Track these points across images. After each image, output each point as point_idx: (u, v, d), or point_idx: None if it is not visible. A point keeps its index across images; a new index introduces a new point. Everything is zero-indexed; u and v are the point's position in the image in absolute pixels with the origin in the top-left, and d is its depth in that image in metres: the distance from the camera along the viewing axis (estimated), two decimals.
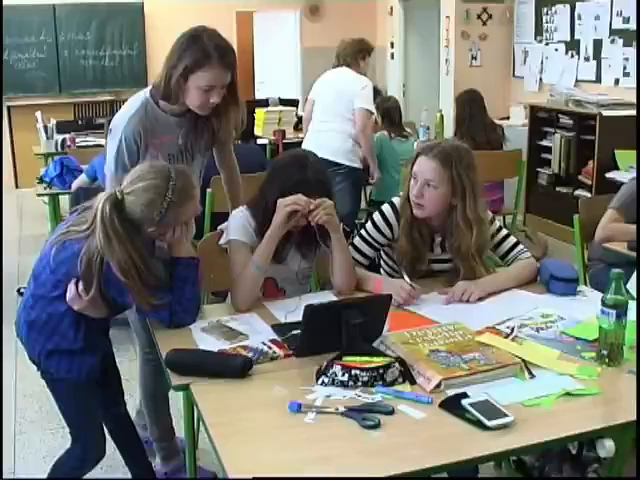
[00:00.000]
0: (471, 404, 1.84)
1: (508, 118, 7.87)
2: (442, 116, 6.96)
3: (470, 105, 5.77)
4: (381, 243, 2.88)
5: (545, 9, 7.83)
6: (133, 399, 3.06)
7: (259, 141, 7.22)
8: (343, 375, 2.01)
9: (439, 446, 1.76)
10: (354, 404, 1.91)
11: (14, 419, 3.68)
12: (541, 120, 7.17)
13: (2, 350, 3.69)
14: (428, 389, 1.97)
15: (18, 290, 5.30)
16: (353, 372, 2.01)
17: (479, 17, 8.50)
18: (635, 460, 2.16)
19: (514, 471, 2.80)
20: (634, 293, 2.76)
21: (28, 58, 9.21)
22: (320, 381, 2.02)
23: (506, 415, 1.81)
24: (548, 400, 1.92)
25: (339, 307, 2.27)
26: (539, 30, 7.96)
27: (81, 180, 5.19)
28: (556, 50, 7.69)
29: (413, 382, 2.02)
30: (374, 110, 5.42)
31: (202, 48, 2.61)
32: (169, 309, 2.38)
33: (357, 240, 2.89)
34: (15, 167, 9.44)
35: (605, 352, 2.11)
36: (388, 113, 6.02)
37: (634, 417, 1.84)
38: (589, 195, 6.31)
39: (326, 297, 2.64)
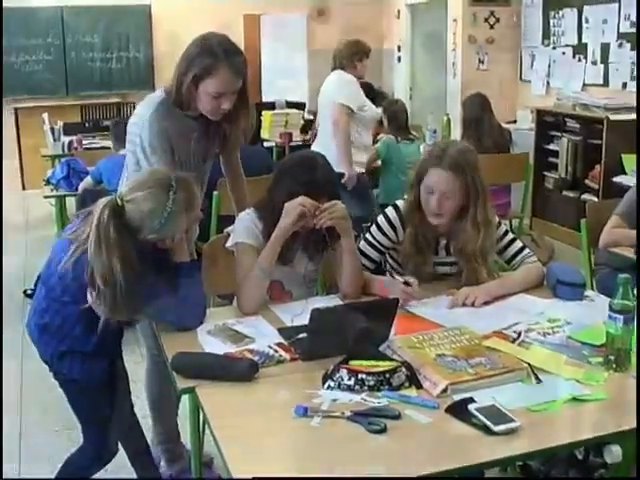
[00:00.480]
0: (477, 409, 1.84)
1: (515, 122, 7.85)
2: (449, 119, 6.96)
3: (477, 109, 5.76)
4: (386, 246, 2.88)
5: (552, 13, 7.82)
6: (140, 400, 3.06)
7: (265, 144, 7.22)
8: (349, 379, 2.00)
9: (445, 451, 1.76)
10: (360, 408, 1.91)
11: (20, 420, 3.68)
12: (548, 124, 7.16)
13: (2, 350, 3.70)
14: (434, 394, 1.97)
15: (24, 291, 5.31)
16: (359, 376, 2.00)
17: (486, 20, 8.48)
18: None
19: (520, 474, 2.79)
20: None
21: (35, 60, 9.23)
22: (326, 385, 2.02)
23: (512, 420, 1.80)
24: (555, 405, 1.91)
25: (346, 311, 2.27)
26: (546, 34, 7.94)
27: (87, 182, 5.20)
28: (563, 54, 7.68)
29: (419, 386, 2.01)
30: (352, 105, 5.21)
31: (211, 55, 2.62)
32: (175, 312, 2.38)
33: (362, 244, 2.88)
34: (22, 169, 9.46)
35: (612, 357, 2.10)
36: (395, 116, 6.02)
37: None
38: (596, 199, 6.29)
39: (332, 301, 2.64)
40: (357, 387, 2.00)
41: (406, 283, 2.59)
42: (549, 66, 7.94)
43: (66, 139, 6.83)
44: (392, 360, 2.09)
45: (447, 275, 2.87)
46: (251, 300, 2.58)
